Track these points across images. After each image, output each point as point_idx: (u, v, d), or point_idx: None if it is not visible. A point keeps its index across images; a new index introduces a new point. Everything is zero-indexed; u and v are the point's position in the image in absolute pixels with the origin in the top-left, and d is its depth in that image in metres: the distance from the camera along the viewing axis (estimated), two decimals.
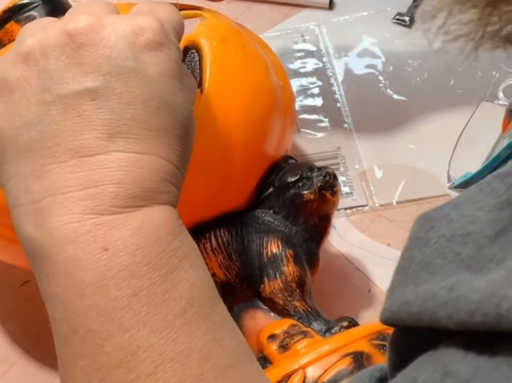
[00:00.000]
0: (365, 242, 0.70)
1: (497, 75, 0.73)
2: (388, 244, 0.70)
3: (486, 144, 0.39)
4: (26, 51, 0.39)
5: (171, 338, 0.36)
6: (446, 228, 0.31)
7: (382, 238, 0.70)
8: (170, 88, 0.40)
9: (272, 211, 0.59)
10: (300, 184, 0.58)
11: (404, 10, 0.89)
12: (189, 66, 0.54)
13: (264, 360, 0.54)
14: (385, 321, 0.31)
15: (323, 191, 0.58)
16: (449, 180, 0.39)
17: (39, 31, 0.40)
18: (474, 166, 0.37)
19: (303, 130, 0.78)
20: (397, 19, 0.88)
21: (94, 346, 0.36)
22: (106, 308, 0.36)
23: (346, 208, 0.72)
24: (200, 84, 0.54)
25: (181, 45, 0.54)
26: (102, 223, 0.37)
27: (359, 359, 0.51)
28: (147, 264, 0.37)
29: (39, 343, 0.63)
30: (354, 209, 0.72)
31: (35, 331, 0.63)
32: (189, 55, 0.54)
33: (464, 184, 0.36)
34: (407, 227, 0.74)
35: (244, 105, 0.55)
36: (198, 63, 0.54)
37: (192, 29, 0.55)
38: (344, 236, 0.70)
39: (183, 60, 0.54)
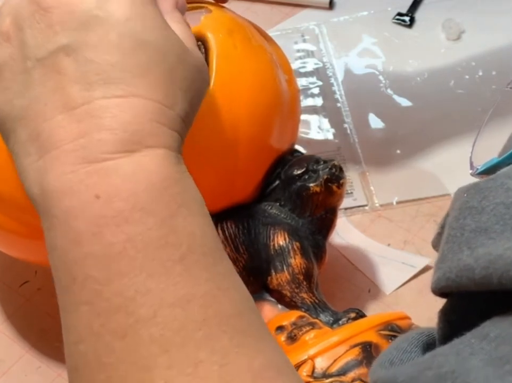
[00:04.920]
0: (365, 242, 0.70)
1: None
2: (388, 244, 0.70)
3: (510, 131, 0.39)
4: (5, 30, 0.41)
5: (170, 284, 0.36)
6: (504, 196, 0.32)
7: (382, 238, 0.70)
8: (140, 28, 0.40)
9: (278, 204, 0.59)
10: (306, 177, 0.58)
11: (404, 10, 0.89)
12: None
13: None
14: (440, 289, 0.32)
15: (329, 184, 0.58)
16: (471, 166, 0.39)
17: (11, 8, 0.41)
18: (497, 153, 0.38)
19: (302, 130, 0.78)
20: (397, 19, 0.88)
21: (93, 291, 0.36)
22: (102, 255, 0.36)
23: (346, 208, 0.72)
24: None
25: None
26: (93, 171, 0.37)
27: (368, 350, 0.52)
28: (141, 209, 0.37)
29: (39, 343, 0.63)
30: (354, 209, 0.72)
31: (35, 331, 0.64)
32: None
33: (490, 170, 0.37)
34: (407, 227, 0.75)
35: (250, 97, 0.55)
36: (204, 55, 0.54)
37: (199, 22, 0.55)
38: (344, 236, 0.70)
39: None
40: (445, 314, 0.33)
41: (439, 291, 0.32)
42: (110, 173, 0.37)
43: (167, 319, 0.36)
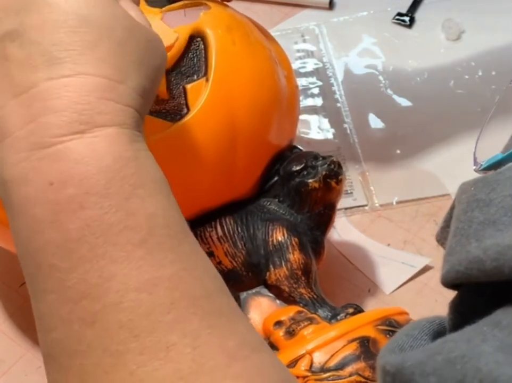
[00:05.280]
0: (365, 242, 0.70)
1: None
2: (388, 244, 0.70)
3: None
4: None
5: (133, 268, 0.36)
6: None
7: (382, 238, 0.70)
8: (84, 5, 0.39)
9: (277, 200, 0.60)
10: (305, 172, 0.58)
11: (404, 10, 0.89)
12: (194, 54, 0.55)
13: (271, 347, 0.54)
14: (451, 281, 0.32)
15: (328, 180, 0.58)
16: (475, 163, 0.39)
17: None
18: (501, 149, 0.38)
19: (302, 130, 0.78)
20: (397, 19, 0.88)
21: (58, 279, 0.36)
22: (62, 242, 0.36)
23: (346, 208, 0.72)
24: (205, 73, 0.54)
25: (187, 34, 0.54)
26: (44, 157, 0.36)
27: (365, 345, 0.52)
28: (95, 193, 0.36)
29: (38, 343, 0.63)
30: (354, 209, 0.72)
31: (35, 330, 0.63)
32: (195, 43, 0.55)
33: (494, 166, 0.37)
34: (407, 227, 0.75)
35: (248, 93, 0.55)
36: (203, 51, 0.55)
37: (198, 18, 0.56)
38: (344, 236, 0.70)
39: (188, 48, 0.54)
40: (455, 305, 0.33)
41: (449, 284, 0.32)
42: (61, 158, 0.36)
43: (134, 304, 0.35)
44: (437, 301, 0.63)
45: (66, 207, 0.36)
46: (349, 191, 0.73)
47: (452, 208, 0.36)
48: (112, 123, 0.37)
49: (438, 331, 0.36)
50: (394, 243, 0.70)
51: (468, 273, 0.30)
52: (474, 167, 0.39)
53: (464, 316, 0.32)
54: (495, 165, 0.37)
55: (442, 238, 0.38)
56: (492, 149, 0.38)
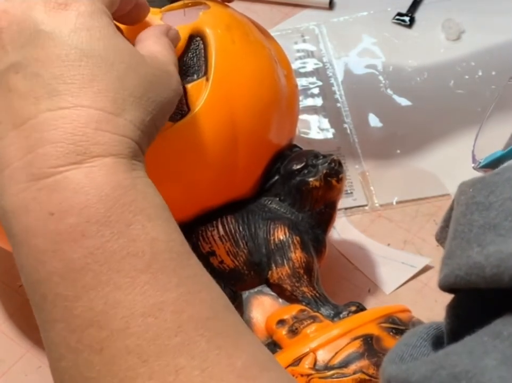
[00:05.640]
0: (365, 242, 0.70)
1: None
2: (388, 244, 0.70)
3: None
4: None
5: (138, 293, 0.36)
6: (511, 190, 0.31)
7: (382, 238, 0.70)
8: (86, 39, 0.40)
9: (278, 198, 0.60)
10: (305, 171, 0.59)
11: (404, 11, 0.89)
12: (194, 54, 0.55)
13: (274, 345, 0.55)
14: (449, 285, 0.32)
15: (328, 178, 0.58)
16: (474, 160, 0.39)
17: None
18: (500, 146, 0.38)
19: (302, 130, 0.78)
20: (397, 19, 0.88)
21: (64, 309, 0.36)
22: (66, 271, 0.36)
23: (346, 208, 0.72)
24: (205, 72, 0.54)
25: (186, 33, 0.54)
26: (43, 187, 0.37)
27: (369, 342, 0.52)
28: (96, 222, 0.36)
29: (38, 343, 0.63)
30: (354, 209, 0.72)
31: (35, 330, 0.63)
32: (194, 43, 0.55)
33: (493, 163, 0.37)
34: (407, 227, 0.75)
35: (248, 92, 0.55)
36: (203, 50, 0.55)
37: (197, 18, 0.56)
38: (344, 236, 0.70)
39: (188, 48, 0.54)
40: (453, 308, 0.33)
41: (447, 288, 0.32)
42: (60, 188, 0.37)
43: (141, 329, 0.36)
44: (437, 301, 0.63)
45: (68, 236, 0.36)
46: (349, 191, 0.73)
47: (451, 208, 0.36)
48: (108, 153, 0.38)
49: (437, 335, 0.36)
50: (394, 243, 0.70)
51: (467, 279, 0.30)
52: (473, 165, 0.39)
53: (461, 319, 0.32)
54: (494, 163, 0.37)
55: (441, 238, 0.38)
56: (490, 146, 0.38)
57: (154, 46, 0.45)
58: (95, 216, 0.37)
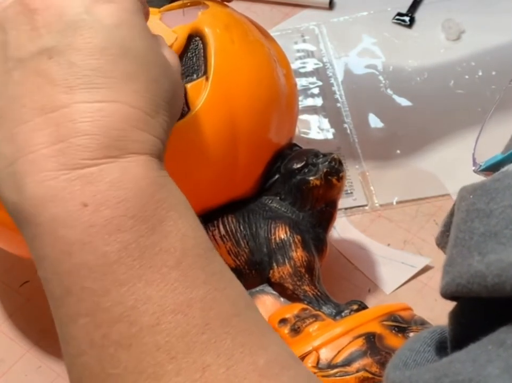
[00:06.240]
0: (365, 242, 0.70)
1: None
2: (388, 244, 0.70)
3: None
4: None
5: (169, 289, 0.36)
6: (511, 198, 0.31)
7: (382, 238, 0.70)
8: (129, 36, 0.40)
9: (278, 198, 0.60)
10: (306, 170, 0.59)
11: (404, 11, 0.89)
12: (193, 54, 0.55)
13: None
14: (451, 293, 0.32)
15: (329, 177, 0.58)
16: (474, 163, 0.39)
17: None
18: (500, 149, 0.38)
19: (302, 130, 0.78)
20: (397, 19, 0.88)
21: (91, 303, 0.36)
22: (97, 265, 0.36)
23: (346, 208, 0.72)
24: (205, 72, 0.54)
25: (186, 33, 0.54)
26: (76, 178, 0.36)
27: (371, 340, 0.52)
28: (133, 216, 0.36)
29: (39, 343, 0.63)
30: (354, 209, 0.72)
31: (35, 331, 0.64)
32: (193, 43, 0.55)
33: (493, 167, 0.36)
34: (407, 227, 0.75)
35: (248, 91, 0.55)
36: (202, 50, 0.55)
37: (196, 17, 0.56)
38: (344, 236, 0.70)
39: (187, 48, 0.55)
40: (455, 316, 0.33)
41: (448, 296, 0.32)
42: (95, 180, 0.36)
43: (171, 326, 0.36)
44: (437, 301, 0.63)
45: (102, 229, 0.36)
46: (349, 191, 0.73)
47: (452, 213, 0.36)
48: (144, 152, 0.38)
49: (440, 341, 0.36)
50: (394, 243, 0.70)
51: (469, 287, 0.30)
52: (473, 168, 0.39)
53: (464, 327, 0.32)
54: (494, 166, 0.37)
55: (441, 242, 0.38)
56: (491, 149, 0.38)
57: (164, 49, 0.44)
58: (131, 211, 0.36)
